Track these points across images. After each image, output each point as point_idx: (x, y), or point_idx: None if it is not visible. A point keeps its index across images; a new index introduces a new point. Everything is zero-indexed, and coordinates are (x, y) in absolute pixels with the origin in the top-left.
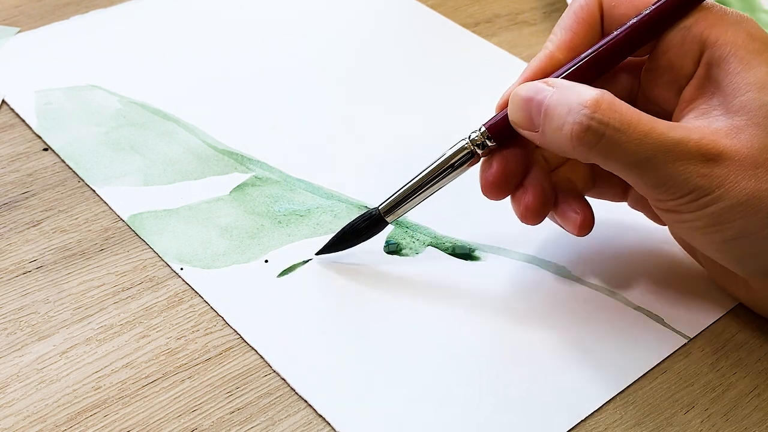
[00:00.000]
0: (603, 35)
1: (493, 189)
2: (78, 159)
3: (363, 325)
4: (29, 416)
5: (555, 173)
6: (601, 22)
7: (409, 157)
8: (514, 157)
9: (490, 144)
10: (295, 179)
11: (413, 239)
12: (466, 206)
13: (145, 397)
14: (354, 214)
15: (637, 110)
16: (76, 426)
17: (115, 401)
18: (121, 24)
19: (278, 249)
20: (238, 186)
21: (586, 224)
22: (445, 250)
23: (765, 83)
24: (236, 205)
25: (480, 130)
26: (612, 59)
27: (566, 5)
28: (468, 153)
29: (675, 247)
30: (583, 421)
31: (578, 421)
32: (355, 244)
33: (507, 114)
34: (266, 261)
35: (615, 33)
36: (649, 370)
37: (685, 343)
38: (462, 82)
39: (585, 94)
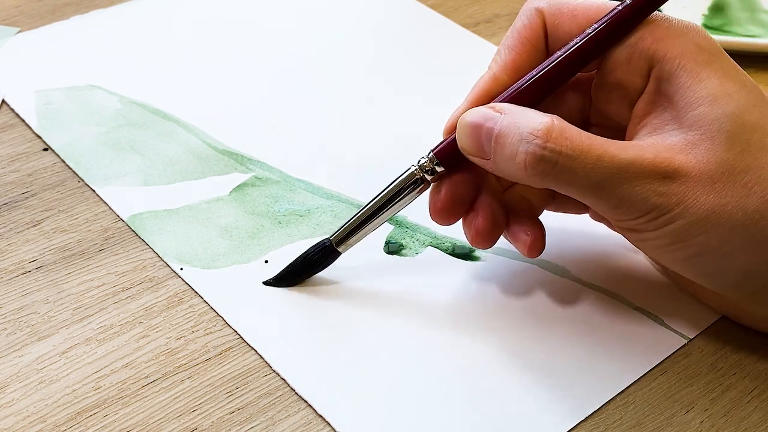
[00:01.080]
0: (548, 54)
1: (442, 215)
2: (78, 159)
3: (363, 325)
4: (29, 416)
5: (509, 192)
6: (545, 41)
7: (409, 157)
8: (463, 182)
9: (438, 170)
10: (295, 179)
11: (413, 239)
12: None
13: (145, 397)
14: (354, 214)
15: (589, 134)
16: (76, 426)
17: (115, 401)
18: (121, 24)
19: (278, 249)
20: (238, 186)
21: (536, 246)
22: (445, 250)
23: (716, 96)
24: (236, 205)
25: (428, 155)
26: (557, 80)
27: None
28: (417, 179)
29: None
30: (583, 422)
31: (578, 421)
32: (308, 276)
33: (455, 139)
34: (266, 261)
35: (559, 53)
36: (648, 371)
37: (684, 344)
38: (462, 82)
39: (535, 120)
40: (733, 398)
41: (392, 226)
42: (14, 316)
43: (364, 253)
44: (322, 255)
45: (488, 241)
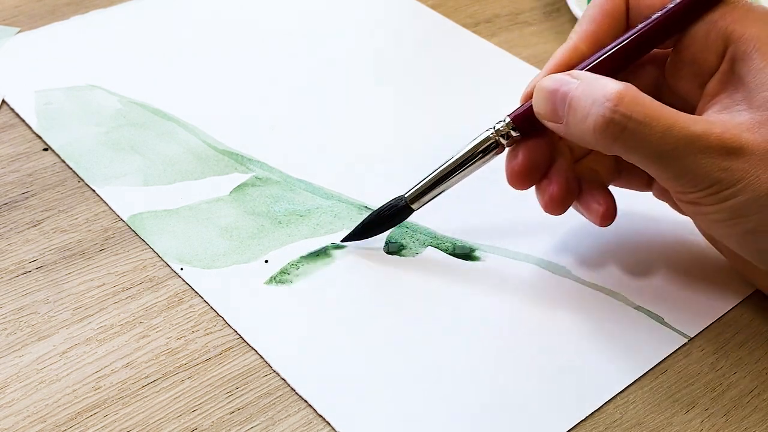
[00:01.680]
0: (628, 28)
1: (519, 179)
2: (78, 159)
3: (363, 325)
4: (29, 416)
5: (579, 164)
6: (626, 15)
7: (410, 157)
8: (538, 148)
9: (514, 134)
10: (296, 179)
11: (413, 239)
12: (466, 206)
13: (145, 397)
14: (354, 215)
15: (661, 103)
16: (76, 426)
17: (115, 401)
18: (121, 24)
19: (278, 249)
20: (238, 186)
21: (608, 215)
22: (445, 250)
23: None
24: (236, 205)
25: (505, 120)
26: (636, 52)
27: (566, 5)
28: (493, 143)
29: (675, 247)
30: (584, 421)
31: (578, 420)
32: (381, 232)
33: (531, 105)
34: (266, 261)
35: (640, 26)
36: (649, 370)
37: (685, 343)
38: (462, 81)
39: (609, 86)
40: (733, 398)
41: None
42: (14, 316)
43: (364, 253)
44: (395, 212)
45: (561, 206)
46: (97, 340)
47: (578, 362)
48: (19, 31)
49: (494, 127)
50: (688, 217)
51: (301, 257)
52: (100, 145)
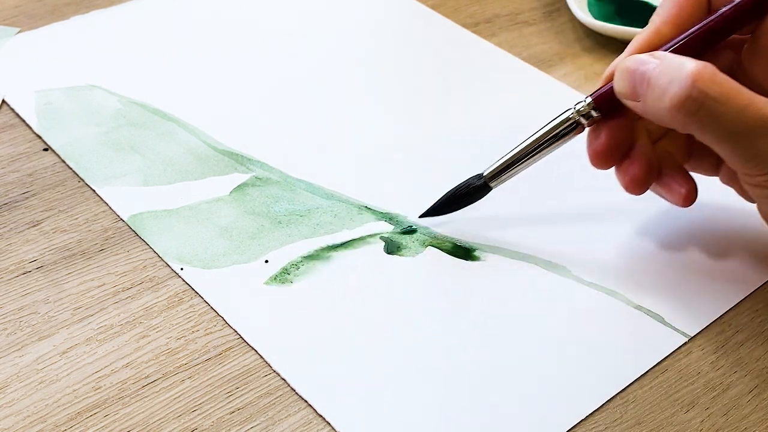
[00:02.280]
0: (710, 12)
1: (601, 158)
2: (78, 159)
3: (363, 324)
4: (29, 416)
5: (656, 146)
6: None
7: (410, 157)
8: (619, 129)
9: (595, 115)
10: (296, 179)
11: (413, 239)
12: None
13: (145, 397)
14: (354, 215)
15: (738, 84)
16: (76, 426)
17: (115, 401)
18: (121, 24)
19: (278, 249)
20: (238, 186)
21: (690, 196)
22: (445, 250)
23: None
24: (236, 205)
25: (586, 101)
26: (717, 36)
27: (566, 5)
28: (573, 123)
29: (675, 246)
30: (584, 420)
31: (578, 420)
32: (458, 209)
33: (612, 86)
34: (266, 261)
35: (722, 10)
36: (649, 369)
37: (685, 342)
38: (462, 82)
39: (687, 65)
40: (733, 397)
41: (392, 226)
42: (14, 316)
43: (364, 253)
44: (475, 189)
45: (642, 186)
46: (97, 340)
47: (578, 361)
48: (19, 31)
49: (575, 107)
50: (692, 217)
51: (301, 257)
52: (100, 145)
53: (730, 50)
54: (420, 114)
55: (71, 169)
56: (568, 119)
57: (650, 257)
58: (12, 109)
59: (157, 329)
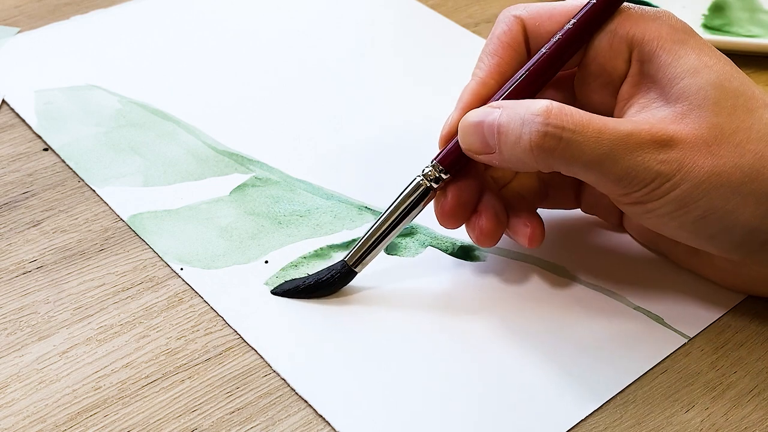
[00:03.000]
0: (530, 55)
1: (450, 218)
2: (78, 159)
3: (363, 324)
4: (29, 416)
5: (505, 190)
6: (526, 44)
7: (410, 157)
8: (466, 185)
9: (444, 177)
10: (296, 179)
11: (413, 239)
12: None
13: (145, 397)
14: (354, 215)
15: (586, 112)
16: (76, 426)
17: (115, 401)
18: (121, 24)
19: (278, 249)
20: (238, 186)
21: (536, 237)
22: (445, 250)
23: (696, 68)
24: (236, 205)
25: (432, 164)
26: (546, 74)
27: None
28: (424, 189)
29: None
30: (584, 421)
31: (578, 420)
32: (320, 296)
33: (456, 144)
34: (266, 261)
35: (543, 50)
36: (649, 370)
37: (684, 343)
38: (462, 82)
39: (534, 104)
40: (733, 397)
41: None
42: (14, 316)
43: None
44: (339, 277)
45: (492, 239)
46: (97, 340)
47: (578, 362)
48: (19, 31)
49: (423, 173)
50: None
51: (301, 257)
52: (100, 145)
53: (554, 90)
54: (420, 114)
55: (71, 169)
56: (418, 186)
57: (650, 258)
58: (12, 109)
59: (157, 329)
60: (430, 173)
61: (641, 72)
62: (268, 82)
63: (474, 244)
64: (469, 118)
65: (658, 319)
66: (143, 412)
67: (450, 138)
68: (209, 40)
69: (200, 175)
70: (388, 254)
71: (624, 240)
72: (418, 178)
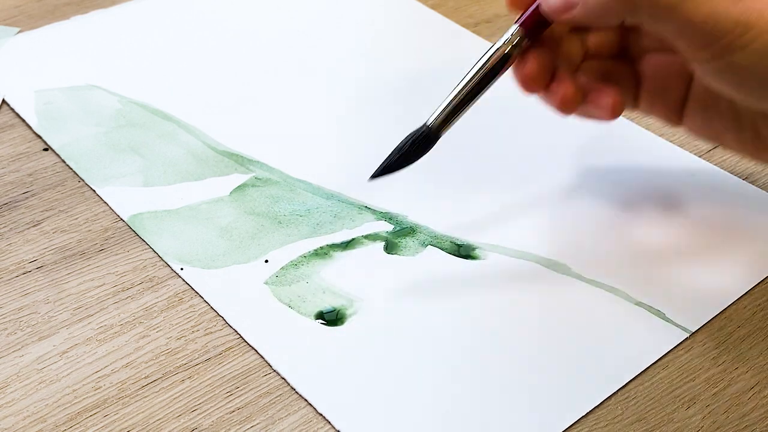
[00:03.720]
0: None
1: (532, 82)
2: (78, 159)
3: (362, 324)
4: (29, 416)
5: (583, 66)
6: None
7: None
8: (545, 53)
9: (524, 42)
10: (296, 179)
11: (413, 239)
12: (465, 205)
13: (145, 397)
14: (354, 215)
15: None
16: (76, 426)
17: (115, 401)
18: (121, 24)
19: (278, 249)
20: (238, 186)
21: (618, 105)
22: (445, 249)
23: None
24: (236, 205)
25: (513, 29)
26: None
27: None
28: (506, 54)
29: (675, 243)
30: (585, 417)
31: (579, 416)
32: (409, 164)
33: (536, 8)
34: (266, 261)
35: None
36: (650, 365)
37: (686, 338)
38: None
39: None
40: (734, 393)
41: (391, 226)
42: (14, 316)
43: (364, 252)
44: (423, 143)
45: (573, 105)
46: (97, 340)
47: (579, 358)
48: (19, 31)
49: (504, 39)
50: (692, 213)
51: (301, 256)
52: (100, 145)
53: None
54: (420, 114)
55: (71, 169)
56: (501, 50)
57: (650, 253)
58: (12, 109)
59: (157, 329)
60: (510, 38)
61: None
62: (268, 82)
63: (474, 243)
64: None
65: (659, 314)
66: (143, 412)
67: (526, 4)
68: (209, 40)
69: (200, 175)
70: (388, 254)
71: (624, 236)
72: (499, 44)
